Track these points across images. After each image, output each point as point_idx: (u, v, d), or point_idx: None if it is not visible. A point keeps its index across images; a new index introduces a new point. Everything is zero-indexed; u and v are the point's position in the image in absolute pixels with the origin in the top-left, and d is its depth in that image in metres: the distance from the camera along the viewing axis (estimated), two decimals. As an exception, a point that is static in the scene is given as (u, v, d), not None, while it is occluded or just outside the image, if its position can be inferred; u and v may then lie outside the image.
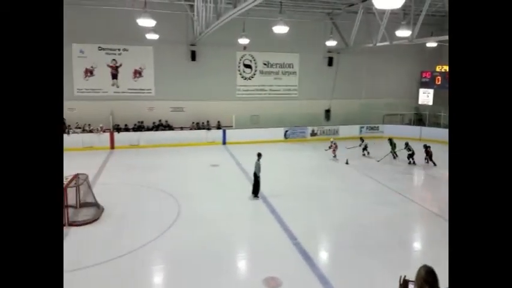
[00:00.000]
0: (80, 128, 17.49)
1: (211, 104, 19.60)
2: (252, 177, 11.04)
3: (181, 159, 15.90)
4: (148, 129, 18.47)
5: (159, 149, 17.32)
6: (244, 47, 19.04)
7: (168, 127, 18.83)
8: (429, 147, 15.19)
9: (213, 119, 19.51)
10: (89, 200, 9.69)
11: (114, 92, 18.51)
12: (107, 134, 17.53)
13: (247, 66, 20.60)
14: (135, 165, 14.53)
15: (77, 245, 7.89)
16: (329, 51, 21.26)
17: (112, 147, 17.45)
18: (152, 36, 15.73)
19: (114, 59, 18.43)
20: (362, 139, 17.08)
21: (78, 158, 15.12)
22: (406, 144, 15.32)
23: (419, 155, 15.25)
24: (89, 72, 18.14)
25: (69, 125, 17.44)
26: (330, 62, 21.67)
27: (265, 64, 20.89)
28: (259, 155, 11.05)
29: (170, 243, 7.98)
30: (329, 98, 21.77)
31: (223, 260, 7.28)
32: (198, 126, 19.28)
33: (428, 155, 15.08)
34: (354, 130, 20.79)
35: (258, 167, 10.81)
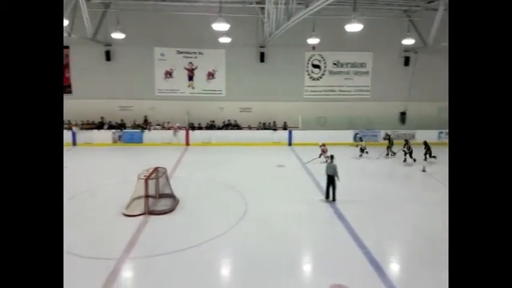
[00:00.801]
0: (159, 125, 19.09)
1: (278, 105, 19.83)
2: (325, 180, 10.88)
3: (249, 158, 16.37)
4: (219, 128, 19.40)
5: (228, 147, 18.08)
6: (314, 47, 18.86)
7: (236, 126, 19.55)
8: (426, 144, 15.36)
9: (279, 120, 19.72)
10: (167, 191, 10.56)
11: (190, 93, 19.83)
12: (183, 132, 18.85)
13: (316, 66, 20.37)
14: (207, 162, 15.39)
15: (155, 232, 8.66)
16: (405, 50, 19.97)
17: (187, 143, 18.72)
18: (225, 40, 16.48)
19: (190, 62, 19.74)
20: (406, 141, 15.98)
21: (157, 152, 16.58)
22: (406, 142, 15.49)
23: (418, 152, 15.21)
24: (169, 74, 19.70)
25: (150, 122, 19.16)
26: (407, 61, 20.33)
27: (335, 64, 20.43)
28: (332, 157, 10.93)
29: (239, 239, 8.31)
30: (404, 100, 20.44)
31: (289, 262, 7.34)
32: (264, 127, 19.66)
33: (428, 150, 15.22)
34: (432, 135, 19.18)
35: (333, 169, 10.59)
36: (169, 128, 18.89)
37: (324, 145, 15.49)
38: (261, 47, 19.35)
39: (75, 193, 11.23)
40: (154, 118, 19.26)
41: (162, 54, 19.56)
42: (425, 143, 15.53)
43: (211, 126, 19.47)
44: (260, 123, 19.77)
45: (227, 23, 13.39)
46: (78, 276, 6.78)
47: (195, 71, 19.86)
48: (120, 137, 18.44)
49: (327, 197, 10.78)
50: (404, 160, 15.27)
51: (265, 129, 19.49)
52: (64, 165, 11.63)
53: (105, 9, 18.11)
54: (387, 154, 16.30)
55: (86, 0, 15.14)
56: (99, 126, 18.69)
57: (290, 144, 19.18)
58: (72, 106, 18.72)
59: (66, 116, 18.50)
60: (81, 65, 19.07)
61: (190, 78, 19.90)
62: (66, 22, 12.99)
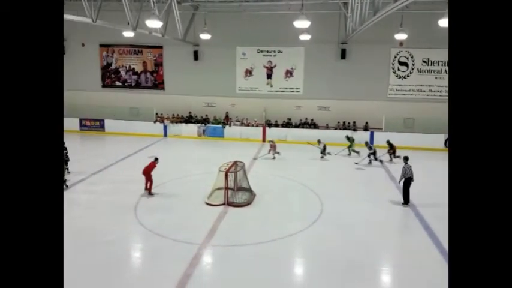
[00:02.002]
0: (239, 121, 19.95)
1: (358, 104, 19.05)
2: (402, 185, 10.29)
3: (325, 158, 16.09)
4: (295, 126, 19.46)
5: (303, 146, 18.01)
6: (401, 43, 17.60)
7: (313, 125, 19.36)
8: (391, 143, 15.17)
9: (360, 120, 18.93)
10: (244, 185, 11.05)
11: (268, 91, 20.26)
12: (260, 128, 19.40)
13: (403, 63, 18.99)
14: (282, 159, 15.61)
15: (233, 223, 9.16)
16: None
17: (264, 140, 19.21)
18: (305, 37, 16.41)
19: (269, 60, 20.14)
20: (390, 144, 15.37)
21: (236, 147, 17.38)
22: (366, 143, 15.29)
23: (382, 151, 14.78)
24: (249, 73, 20.41)
25: (230, 118, 20.15)
26: None
27: (424, 62, 18.79)
28: (406, 158, 10.26)
29: (313, 240, 8.31)
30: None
31: (365, 267, 7.12)
32: (343, 126, 19.08)
33: (393, 150, 15.01)
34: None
35: (408, 170, 10.00)
36: (247, 124, 19.61)
37: (272, 141, 15.90)
38: (343, 43, 18.77)
39: (163, 180, 12.45)
40: (234, 114, 20.19)
41: (243, 54, 20.32)
42: (389, 142, 15.49)
43: (287, 124, 19.64)
44: (339, 122, 19.25)
45: (308, 20, 13.33)
46: (163, 255, 7.56)
47: (274, 69, 20.20)
48: (204, 131, 19.80)
49: (408, 201, 10.13)
50: (369, 162, 14.85)
51: (344, 129, 18.89)
52: (153, 155, 12.82)
53: (194, 12, 19.50)
54: (348, 153, 16.16)
55: (178, 4, 16.52)
56: (187, 120, 20.31)
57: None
58: (165, 101, 20.73)
59: (160, 110, 20.53)
60: (173, 64, 20.90)
61: (269, 76, 20.31)
62: (160, 24, 14.31)
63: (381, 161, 14.91)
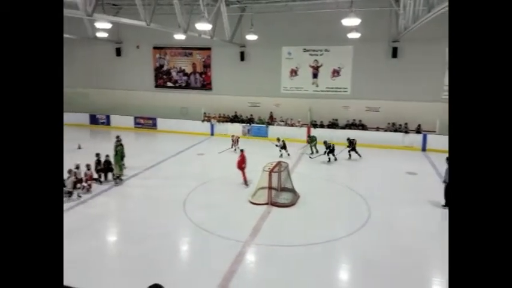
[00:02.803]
0: (283, 121, 19.97)
1: (411, 105, 18.10)
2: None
3: (374, 161, 15.55)
4: (342, 127, 19.00)
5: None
6: (460, 39, 16.35)
7: (361, 126, 18.77)
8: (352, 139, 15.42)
9: (412, 122, 17.98)
10: (288, 185, 11.07)
11: (314, 91, 20.02)
12: (305, 129, 19.24)
13: (461, 61, 17.69)
14: (327, 160, 15.34)
15: (277, 224, 9.22)
16: None
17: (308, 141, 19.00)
18: (354, 36, 15.95)
19: (316, 60, 19.88)
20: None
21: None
22: (325, 142, 15.34)
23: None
24: (294, 72, 20.32)
25: (274, 118, 20.23)
26: None
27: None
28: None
29: (359, 245, 8.10)
30: None
31: (413, 276, 6.81)
32: (394, 128, 18.24)
33: (352, 146, 15.25)
34: None
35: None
36: (292, 125, 19.54)
37: (234, 135, 17.01)
38: (394, 41, 17.96)
39: (211, 177, 12.87)
40: (278, 114, 20.24)
41: (289, 53, 20.28)
42: (349, 139, 15.70)
43: (333, 125, 19.25)
44: (389, 124, 18.44)
45: (358, 17, 12.95)
46: (209, 250, 7.84)
47: (320, 69, 19.90)
48: (249, 130, 20.11)
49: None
50: (329, 160, 15.06)
51: (395, 131, 18.04)
52: (201, 152, 13.27)
53: (242, 13, 19.84)
54: (311, 153, 16.23)
55: (226, 6, 16.92)
56: (233, 119, 20.77)
57: (424, 149, 17.28)
58: (212, 101, 21.37)
59: (207, 110, 21.21)
60: (220, 65, 21.48)
61: (315, 75, 20.05)
62: (209, 27, 14.69)
63: (335, 158, 15.19)
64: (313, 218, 9.54)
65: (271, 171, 10.51)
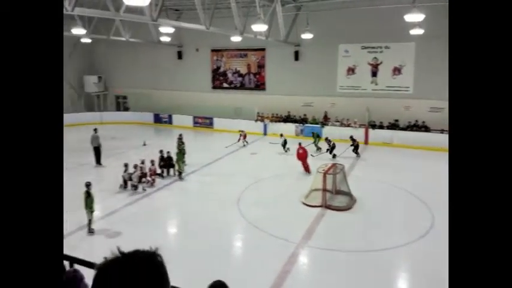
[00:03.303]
0: (338, 121, 19.45)
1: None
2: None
3: (438, 165, 14.44)
4: (402, 128, 17.96)
5: (412, 151, 16.51)
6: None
7: (424, 128, 17.55)
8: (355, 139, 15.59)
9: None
10: (344, 188, 10.75)
11: (372, 90, 19.18)
12: (362, 129, 18.53)
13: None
14: (386, 164, 14.64)
15: (331, 227, 9.03)
16: None
17: (366, 142, 18.28)
18: (416, 32, 14.97)
19: (375, 57, 19.03)
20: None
21: (336, 148, 16.94)
22: (326, 139, 15.86)
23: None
24: (351, 71, 19.67)
25: (329, 118, 19.79)
26: None
27: None
28: None
29: (419, 256, 7.61)
30: None
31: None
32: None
33: (355, 145, 15.39)
34: None
35: None
36: (348, 125, 18.95)
37: (242, 131, 17.97)
38: (464, 35, 16.48)
39: (262, 177, 13.01)
40: (333, 114, 19.75)
41: (346, 51, 19.68)
42: (352, 138, 15.88)
43: (393, 126, 18.26)
44: (454, 125, 16.98)
45: (421, 13, 12.14)
46: (262, 248, 7.92)
47: (379, 67, 19.00)
48: (302, 130, 19.92)
49: None
50: (333, 156, 15.17)
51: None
52: (254, 152, 13.51)
53: (297, 12, 19.71)
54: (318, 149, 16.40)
55: (281, 6, 16.94)
56: (286, 119, 20.75)
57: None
58: (265, 101, 21.57)
59: (260, 110, 21.43)
60: (274, 65, 21.58)
61: (374, 74, 19.20)
62: (265, 27, 14.80)
63: (334, 155, 15.23)
64: (370, 224, 9.16)
65: (325, 173, 10.30)
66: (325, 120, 19.82)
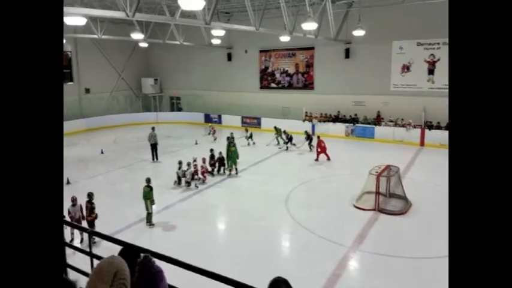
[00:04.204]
0: (392, 121, 18.56)
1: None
2: None
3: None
4: (463, 128, 16.64)
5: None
6: None
7: (488, 128, 16.10)
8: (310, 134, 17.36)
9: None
10: (398, 192, 10.25)
11: (429, 88, 18.04)
12: (418, 130, 17.52)
13: None
14: (444, 167, 13.67)
15: (385, 232, 8.65)
16: None
17: (422, 144, 17.26)
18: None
19: (432, 54, 17.88)
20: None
21: (389, 150, 16.25)
22: (284, 132, 17.65)
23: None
24: (406, 68, 18.67)
25: (382, 118, 18.97)
26: None
27: None
28: None
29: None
30: None
31: None
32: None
33: (309, 139, 16.79)
34: None
35: None
36: (402, 125, 18.01)
37: (211, 125, 19.30)
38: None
39: (310, 177, 12.85)
40: (387, 114, 18.90)
41: (400, 48, 18.72)
42: (306, 132, 17.36)
43: (452, 126, 16.99)
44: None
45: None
46: (310, 249, 7.83)
47: (437, 64, 17.80)
48: (352, 130, 19.34)
49: None
50: (286, 148, 17.06)
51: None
52: (301, 152, 13.33)
53: (348, 9, 19.15)
54: (278, 143, 17.85)
55: (331, 3, 16.58)
56: (335, 119, 20.28)
57: None
58: (314, 100, 21.28)
59: (308, 109, 21.18)
60: (323, 63, 21.19)
61: (431, 71, 18.03)
62: (315, 26, 14.59)
63: (294, 144, 17.00)
64: (427, 230, 8.63)
65: (378, 176, 9.90)
66: (378, 120, 19.03)
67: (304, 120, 21.02)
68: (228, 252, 7.98)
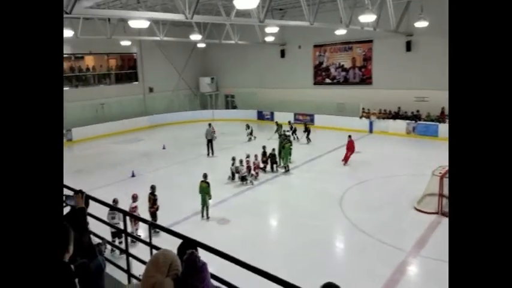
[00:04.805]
0: (458, 118, 17.06)
1: None
2: None
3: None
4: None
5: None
6: None
7: None
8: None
9: None
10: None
11: None
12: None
13: None
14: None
15: (447, 237, 8.00)
16: None
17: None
18: None
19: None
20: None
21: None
22: (289, 123, 18.61)
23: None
24: (477, 60, 16.99)
25: (446, 114, 17.50)
26: None
27: None
28: None
29: None
30: None
31: None
32: None
33: (307, 131, 17.63)
34: None
35: None
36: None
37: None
38: None
39: (367, 177, 12.35)
40: (453, 110, 17.39)
41: (470, 37, 17.05)
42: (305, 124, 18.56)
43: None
44: None
45: None
46: (368, 253, 7.53)
47: None
48: (414, 128, 18.14)
49: None
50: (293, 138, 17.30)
51: None
52: (358, 150, 12.88)
53: (410, 0, 17.94)
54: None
55: (392, -6, 15.65)
56: (395, 116, 19.20)
57: None
58: (372, 96, 20.36)
59: (366, 105, 20.33)
60: (382, 57, 20.14)
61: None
62: (373, 17, 13.90)
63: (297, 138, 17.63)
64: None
65: (442, 177, 9.19)
66: (442, 117, 17.61)
67: (361, 117, 20.24)
68: (279, 250, 8.02)
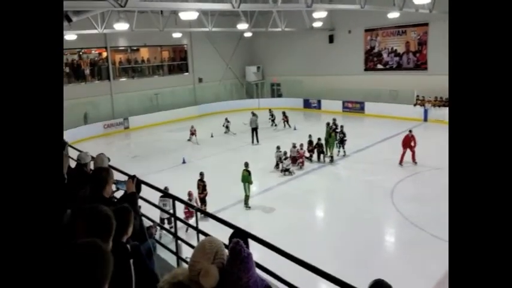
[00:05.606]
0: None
1: None
2: None
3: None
4: None
5: None
6: None
7: None
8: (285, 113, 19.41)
9: None
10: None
11: None
12: None
13: None
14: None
15: None
16: None
17: None
18: None
19: None
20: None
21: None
22: (269, 110, 19.93)
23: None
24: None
25: None
26: None
27: None
28: None
29: None
30: None
31: None
32: None
33: (286, 119, 18.95)
34: None
35: None
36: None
37: (192, 127, 17.65)
38: None
39: (421, 169, 11.67)
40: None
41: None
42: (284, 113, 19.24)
43: None
44: None
45: None
46: (420, 248, 7.18)
47: None
48: (474, 116, 16.71)
49: None
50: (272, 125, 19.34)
51: None
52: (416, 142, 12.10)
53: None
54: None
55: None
56: (452, 104, 17.82)
57: None
58: (427, 83, 19.04)
59: (420, 92, 19.08)
60: (439, 41, 18.61)
61: None
62: (427, 0, 12.93)
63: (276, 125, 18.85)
64: None
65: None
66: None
67: (415, 105, 19.09)
68: (326, 242, 7.94)
